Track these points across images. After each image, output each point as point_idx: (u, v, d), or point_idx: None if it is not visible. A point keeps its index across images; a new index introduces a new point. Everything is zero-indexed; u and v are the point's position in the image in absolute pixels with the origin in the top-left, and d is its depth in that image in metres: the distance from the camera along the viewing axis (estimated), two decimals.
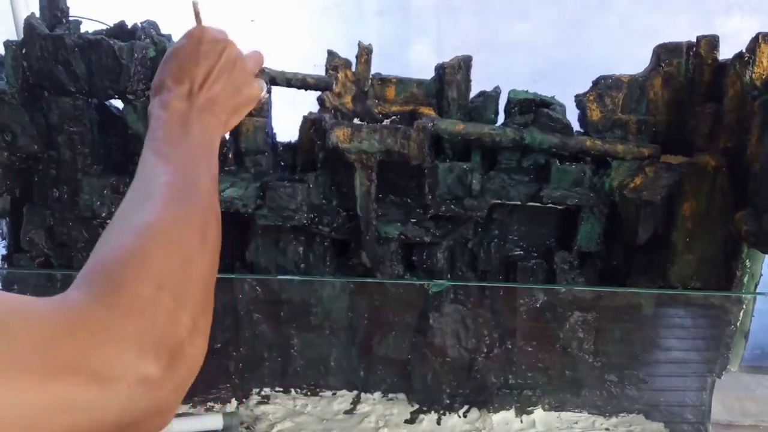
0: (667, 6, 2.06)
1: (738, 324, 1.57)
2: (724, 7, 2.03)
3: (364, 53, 1.56)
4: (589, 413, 1.68)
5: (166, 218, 0.59)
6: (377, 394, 1.72)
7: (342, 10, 2.17)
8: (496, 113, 1.57)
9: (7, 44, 1.42)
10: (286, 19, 2.15)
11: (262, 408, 1.67)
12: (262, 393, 1.71)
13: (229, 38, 0.83)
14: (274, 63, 1.54)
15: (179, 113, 0.72)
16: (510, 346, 1.66)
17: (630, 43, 2.04)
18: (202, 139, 0.71)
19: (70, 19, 1.51)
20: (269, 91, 1.50)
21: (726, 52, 1.47)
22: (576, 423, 1.66)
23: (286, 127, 1.61)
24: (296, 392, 1.72)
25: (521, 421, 1.64)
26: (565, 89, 1.58)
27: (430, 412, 1.67)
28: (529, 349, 1.66)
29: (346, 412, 1.67)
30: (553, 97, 1.57)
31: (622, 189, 1.49)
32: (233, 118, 0.80)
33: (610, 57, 2.02)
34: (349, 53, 1.56)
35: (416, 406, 1.68)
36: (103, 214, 1.49)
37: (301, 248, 1.60)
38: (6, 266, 1.62)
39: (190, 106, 0.73)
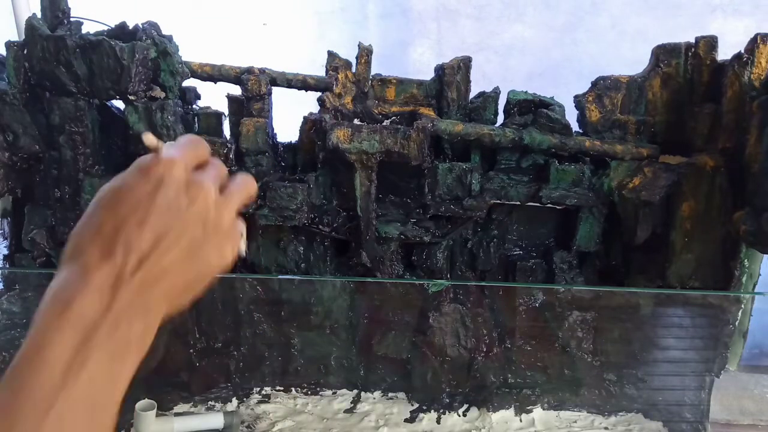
0: (656, 8, 2.09)
1: (736, 323, 1.58)
2: (709, 9, 2.06)
3: (364, 54, 1.57)
4: (588, 412, 1.69)
5: None
6: (377, 393, 1.73)
7: (346, 13, 2.20)
8: (496, 114, 1.57)
9: (9, 45, 1.42)
10: (294, 23, 2.18)
11: (263, 407, 1.67)
12: (263, 392, 1.72)
13: (205, 167, 0.55)
14: (282, 65, 1.56)
15: (81, 327, 0.45)
16: (509, 346, 1.67)
17: (621, 43, 2.07)
18: (96, 389, 0.45)
19: (72, 19, 1.52)
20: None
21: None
22: (575, 422, 1.66)
23: (286, 128, 1.62)
24: (297, 391, 1.72)
25: (520, 420, 1.65)
26: (558, 89, 1.59)
27: (429, 411, 1.67)
28: (529, 348, 1.67)
29: (347, 411, 1.68)
30: (552, 98, 1.57)
31: (621, 189, 1.50)
32: (180, 299, 0.53)
33: (602, 57, 2.05)
34: (353, 55, 1.57)
35: (416, 405, 1.69)
36: None
37: (302, 248, 1.60)
38: (7, 266, 1.62)
39: (107, 309, 0.46)
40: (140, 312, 0.49)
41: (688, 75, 1.52)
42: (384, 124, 1.53)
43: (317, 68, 1.58)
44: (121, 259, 0.48)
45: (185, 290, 0.53)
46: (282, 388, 1.73)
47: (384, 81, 1.61)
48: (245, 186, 0.59)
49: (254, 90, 1.51)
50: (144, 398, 1.48)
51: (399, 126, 1.49)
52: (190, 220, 0.52)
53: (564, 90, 1.57)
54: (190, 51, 1.52)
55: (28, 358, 0.45)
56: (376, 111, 1.60)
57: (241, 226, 0.58)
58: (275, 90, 1.56)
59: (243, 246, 0.59)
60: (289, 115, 1.60)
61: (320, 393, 1.72)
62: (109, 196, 0.51)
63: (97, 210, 0.51)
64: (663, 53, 1.53)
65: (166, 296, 0.51)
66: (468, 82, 1.57)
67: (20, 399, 0.43)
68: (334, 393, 1.73)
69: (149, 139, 0.53)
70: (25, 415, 0.42)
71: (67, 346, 0.45)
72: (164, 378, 1.63)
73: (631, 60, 1.59)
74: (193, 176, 0.53)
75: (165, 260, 0.50)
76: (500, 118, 1.59)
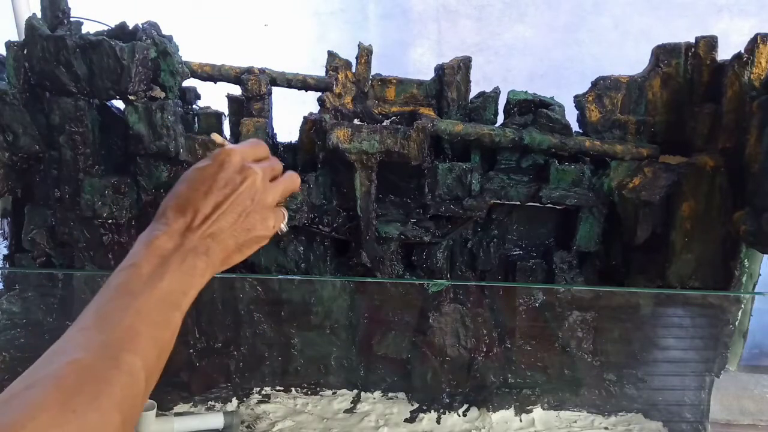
0: (659, 8, 2.09)
1: (736, 323, 1.58)
2: (715, 9, 2.05)
3: (364, 54, 1.57)
4: (588, 412, 1.69)
5: (40, 422, 0.48)
6: (377, 393, 1.73)
7: (347, 14, 2.20)
8: (496, 114, 1.57)
9: (9, 45, 1.42)
10: (296, 24, 2.19)
11: (263, 407, 1.68)
12: (263, 392, 1.72)
13: (258, 157, 0.75)
14: (282, 65, 1.56)
15: (159, 254, 0.65)
16: (509, 346, 1.67)
17: (623, 44, 2.07)
18: (170, 292, 0.64)
19: (72, 19, 1.52)
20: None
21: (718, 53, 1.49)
22: (575, 422, 1.66)
23: (286, 128, 1.62)
24: (297, 391, 1.73)
25: (520, 420, 1.65)
26: (560, 90, 1.59)
27: (429, 411, 1.67)
28: (529, 348, 1.67)
29: (347, 411, 1.68)
30: (552, 98, 1.57)
31: (621, 189, 1.50)
32: (235, 256, 0.72)
33: (604, 58, 2.05)
34: (353, 55, 1.57)
35: (416, 405, 1.69)
36: (104, 214, 1.49)
37: (302, 248, 1.60)
38: (8, 266, 1.63)
39: (178, 246, 0.66)
40: (202, 253, 0.68)
41: (688, 75, 1.52)
42: (384, 124, 1.54)
43: (317, 68, 1.58)
44: (190, 217, 0.69)
45: (238, 249, 0.72)
46: (282, 388, 1.73)
47: (384, 81, 1.61)
48: (291, 179, 0.80)
49: (254, 90, 1.51)
50: None
51: (399, 126, 1.49)
52: (242, 194, 0.71)
53: (566, 91, 1.57)
54: (190, 51, 1.52)
55: (125, 268, 0.64)
56: (376, 111, 1.60)
57: (285, 211, 0.79)
58: (275, 90, 1.56)
59: (284, 225, 0.79)
60: (289, 115, 1.60)
61: (320, 393, 1.73)
62: (189, 173, 0.72)
63: (178, 184, 0.71)
64: (663, 53, 1.53)
65: (223, 248, 0.70)
66: (468, 82, 1.57)
67: (120, 289, 0.62)
68: (334, 393, 1.73)
69: (217, 138, 0.77)
70: (122, 295, 0.62)
71: (151, 265, 0.65)
72: (164, 378, 1.62)
73: (633, 60, 1.59)
74: (248, 163, 0.73)
75: (222, 221, 0.69)
76: (500, 118, 1.59)
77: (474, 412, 1.67)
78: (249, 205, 0.72)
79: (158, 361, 0.62)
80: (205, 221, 0.68)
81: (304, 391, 1.73)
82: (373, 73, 1.60)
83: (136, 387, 0.57)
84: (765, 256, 1.48)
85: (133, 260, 0.65)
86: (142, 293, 0.62)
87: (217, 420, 1.56)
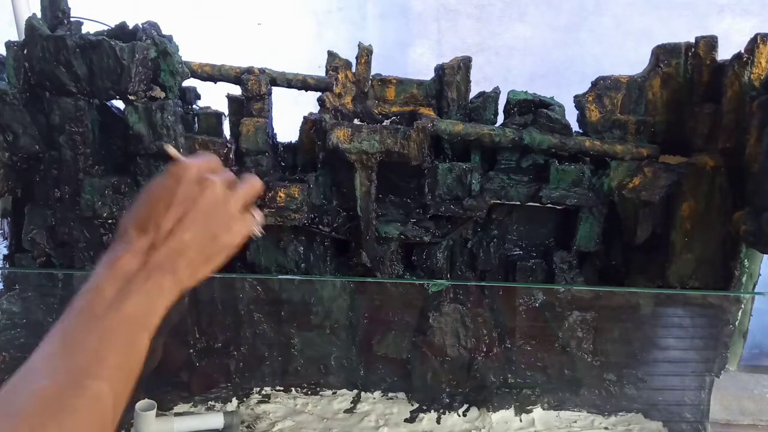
0: (660, 8, 2.08)
1: (736, 323, 1.58)
2: (716, 9, 2.05)
3: (364, 54, 1.57)
4: (588, 412, 1.69)
5: None
6: (377, 393, 1.73)
7: (345, 13, 2.20)
8: (496, 114, 1.57)
9: (9, 45, 1.42)
10: (291, 23, 2.18)
11: (263, 407, 1.68)
12: (263, 392, 1.72)
13: (217, 173, 0.73)
14: (280, 65, 1.56)
15: (123, 276, 0.64)
16: (509, 346, 1.67)
17: (625, 44, 2.07)
18: (136, 313, 0.63)
19: (72, 19, 1.52)
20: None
21: (718, 53, 1.48)
22: (575, 422, 1.66)
23: (286, 128, 1.62)
24: (297, 391, 1.73)
25: (520, 420, 1.65)
26: (560, 90, 1.59)
27: (429, 411, 1.67)
28: (529, 348, 1.67)
29: (347, 411, 1.68)
30: (552, 98, 1.57)
31: (621, 189, 1.50)
32: (203, 269, 0.71)
33: (605, 58, 2.05)
34: (351, 55, 1.57)
35: (416, 405, 1.69)
36: (104, 214, 1.49)
37: (302, 248, 1.60)
38: (7, 266, 1.63)
39: (142, 265, 0.65)
40: (169, 271, 0.66)
41: (688, 75, 1.52)
42: (384, 124, 1.54)
43: (316, 68, 1.58)
44: (152, 234, 0.67)
45: (205, 261, 0.71)
46: (282, 388, 1.73)
47: (384, 81, 1.61)
48: (250, 183, 0.77)
49: (254, 90, 1.51)
50: (144, 398, 1.48)
51: (399, 126, 1.49)
52: (202, 205, 0.70)
53: (566, 91, 1.57)
54: (190, 51, 1.53)
55: (88, 291, 0.64)
56: (376, 111, 1.60)
57: (258, 214, 0.77)
58: (275, 90, 1.56)
59: (257, 229, 0.76)
60: (289, 115, 1.60)
61: (320, 393, 1.73)
62: (146, 192, 0.71)
63: (138, 203, 0.70)
64: (663, 53, 1.53)
65: (189, 263, 0.68)
66: (468, 82, 1.57)
67: (84, 312, 0.62)
68: (334, 393, 1.73)
69: (171, 149, 0.75)
70: (87, 318, 0.61)
71: (114, 287, 0.63)
72: (164, 378, 1.63)
73: (634, 61, 1.59)
74: (204, 175, 0.71)
75: (186, 235, 0.68)
76: (500, 119, 1.59)
77: (474, 412, 1.68)
78: (211, 217, 0.70)
79: (126, 383, 0.61)
80: (169, 237, 0.67)
81: (304, 391, 1.73)
82: (373, 73, 1.60)
83: (103, 413, 0.57)
84: (765, 256, 1.48)
85: (96, 282, 0.64)
86: (105, 316, 0.61)
87: (217, 420, 1.56)
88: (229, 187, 0.73)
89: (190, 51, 1.53)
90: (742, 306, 1.57)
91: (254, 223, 0.76)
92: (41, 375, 0.56)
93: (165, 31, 1.50)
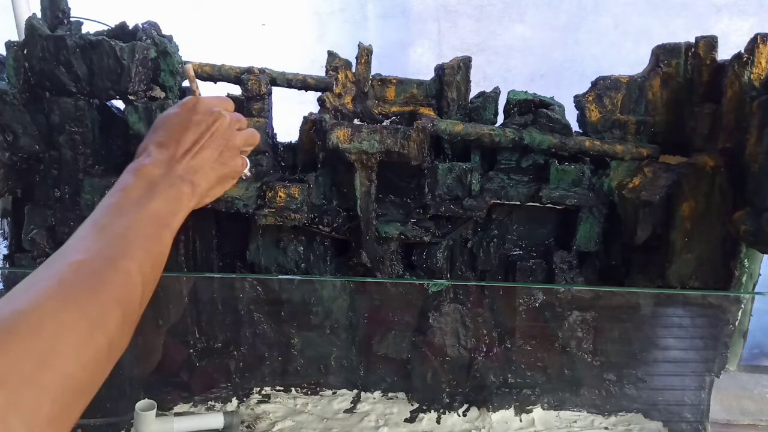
0: (659, 8, 2.09)
1: (736, 323, 1.58)
2: (714, 9, 2.06)
3: (364, 54, 1.57)
4: (588, 412, 1.69)
5: (43, 309, 0.51)
6: (377, 393, 1.73)
7: (346, 14, 2.20)
8: (496, 114, 1.57)
9: (9, 44, 1.42)
10: (294, 23, 2.19)
11: (263, 407, 1.68)
12: (263, 392, 1.72)
13: (225, 110, 0.82)
14: (282, 65, 1.56)
15: (148, 180, 0.71)
16: (509, 346, 1.67)
17: (624, 44, 2.07)
18: (160, 211, 0.69)
19: (72, 19, 1.52)
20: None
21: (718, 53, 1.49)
22: (575, 422, 1.66)
23: (286, 128, 1.62)
24: (296, 391, 1.73)
25: (520, 420, 1.65)
26: (560, 90, 1.59)
27: (429, 411, 1.67)
28: (528, 348, 1.67)
29: (347, 411, 1.68)
30: (552, 98, 1.57)
31: (621, 189, 1.50)
32: (216, 189, 0.80)
33: (605, 58, 2.05)
34: (353, 55, 1.57)
35: (416, 405, 1.69)
36: None
37: (302, 248, 1.60)
38: (7, 266, 1.62)
39: (165, 173, 0.72)
40: (187, 181, 0.74)
41: (688, 75, 1.52)
42: (384, 124, 1.54)
43: (317, 68, 1.58)
44: (173, 150, 0.75)
45: (219, 181, 0.79)
46: (282, 388, 1.73)
47: (384, 81, 1.61)
48: (252, 132, 0.88)
49: (254, 90, 1.51)
50: (144, 398, 1.48)
51: (399, 126, 1.49)
52: (215, 132, 0.79)
53: (566, 91, 1.57)
54: (190, 51, 1.53)
55: (115, 192, 0.69)
56: (376, 111, 1.60)
57: (246, 161, 0.87)
58: (275, 90, 1.56)
59: (248, 171, 0.88)
60: (289, 115, 1.60)
61: (320, 393, 1.73)
62: (162, 120, 0.79)
63: (154, 128, 0.78)
64: (663, 53, 1.53)
65: (206, 179, 0.77)
66: (468, 82, 1.57)
67: (112, 207, 0.67)
68: (334, 393, 1.73)
69: (190, 71, 0.87)
70: (115, 212, 0.66)
71: (139, 188, 0.70)
72: (164, 378, 1.63)
73: (634, 61, 1.59)
74: (215, 108, 0.81)
75: (201, 154, 0.77)
76: (500, 118, 1.59)
77: (474, 412, 1.68)
78: (222, 142, 0.80)
79: (152, 271, 0.65)
80: (187, 154, 0.75)
81: (304, 391, 1.73)
82: (373, 73, 1.60)
83: (133, 289, 0.60)
84: (765, 256, 1.48)
85: (122, 185, 0.70)
86: (132, 211, 0.67)
87: (217, 420, 1.56)
88: (235, 125, 0.83)
89: (190, 51, 1.53)
90: (742, 306, 1.57)
91: (246, 164, 0.86)
92: (75, 251, 0.60)
93: (165, 31, 1.50)
